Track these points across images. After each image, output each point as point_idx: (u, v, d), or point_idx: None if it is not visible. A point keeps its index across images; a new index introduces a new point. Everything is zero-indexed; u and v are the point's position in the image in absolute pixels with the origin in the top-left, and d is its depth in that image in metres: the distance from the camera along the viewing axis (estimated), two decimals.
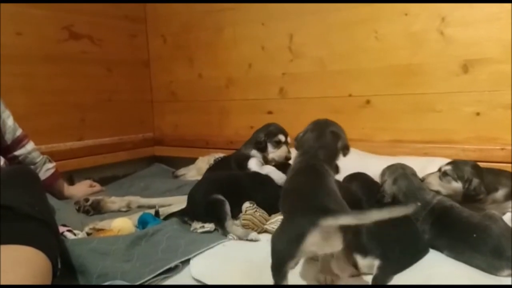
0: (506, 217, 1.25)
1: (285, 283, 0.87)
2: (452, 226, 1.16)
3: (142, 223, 1.45)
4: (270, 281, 0.98)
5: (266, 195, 1.45)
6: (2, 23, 1.96)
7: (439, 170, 1.34)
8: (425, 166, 1.52)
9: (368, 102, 1.96)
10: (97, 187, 2.08)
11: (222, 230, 1.33)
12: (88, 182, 2.10)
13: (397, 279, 1.02)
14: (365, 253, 1.06)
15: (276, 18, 2.17)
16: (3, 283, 0.84)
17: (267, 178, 1.56)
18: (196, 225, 1.36)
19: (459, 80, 1.73)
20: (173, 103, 2.66)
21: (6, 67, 1.95)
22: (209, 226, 1.35)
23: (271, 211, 1.38)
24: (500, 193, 1.32)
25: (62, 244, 1.18)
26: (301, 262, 1.08)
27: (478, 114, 1.72)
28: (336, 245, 0.88)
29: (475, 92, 1.71)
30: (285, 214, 1.05)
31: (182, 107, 2.63)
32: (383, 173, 1.38)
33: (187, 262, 1.15)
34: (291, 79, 2.17)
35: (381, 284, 1.00)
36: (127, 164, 2.55)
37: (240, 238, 1.29)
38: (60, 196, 1.89)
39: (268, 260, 1.04)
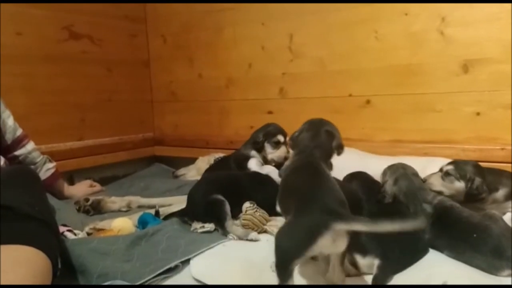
0: (506, 217, 1.25)
1: (290, 282, 0.87)
2: (452, 226, 1.16)
3: (142, 223, 1.45)
4: (270, 281, 0.99)
5: (266, 195, 1.45)
6: (2, 23, 1.96)
7: (441, 170, 1.34)
8: (425, 166, 1.52)
9: (368, 102, 1.96)
10: (97, 187, 2.08)
11: (222, 230, 1.33)
12: (88, 182, 2.10)
13: (397, 279, 1.02)
14: (364, 252, 1.06)
15: (276, 18, 2.17)
16: (3, 283, 0.84)
17: (267, 178, 1.56)
18: (196, 225, 1.36)
19: (459, 80, 1.73)
20: (173, 103, 2.66)
21: (6, 67, 1.95)
22: (209, 226, 1.35)
23: (271, 211, 1.37)
24: (501, 193, 1.32)
25: (62, 244, 1.18)
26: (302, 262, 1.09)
27: (478, 114, 1.72)
28: (342, 246, 0.89)
29: (475, 92, 1.71)
30: (285, 213, 1.05)
31: (182, 107, 2.63)
32: (384, 173, 1.38)
33: (187, 262, 1.15)
34: (291, 79, 2.17)
35: (381, 284, 1.00)
36: (127, 164, 2.55)
37: (240, 238, 1.29)
38: (60, 196, 1.89)
39: (268, 260, 1.05)
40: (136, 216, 1.52)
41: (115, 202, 1.74)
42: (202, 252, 1.19)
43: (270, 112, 2.26)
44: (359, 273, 1.06)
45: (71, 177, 2.22)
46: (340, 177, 1.42)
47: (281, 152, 1.73)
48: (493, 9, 1.64)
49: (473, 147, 1.72)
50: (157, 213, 1.54)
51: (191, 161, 2.30)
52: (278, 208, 1.13)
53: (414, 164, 1.40)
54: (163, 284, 1.09)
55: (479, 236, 1.08)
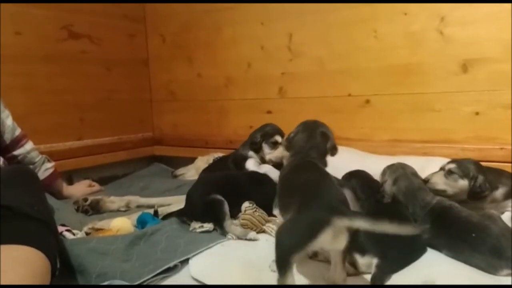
0: (506, 216, 1.25)
1: (290, 277, 0.87)
2: (451, 225, 1.16)
3: (141, 222, 1.45)
4: (269, 280, 0.99)
5: (265, 195, 1.45)
6: (1, 23, 1.95)
7: (442, 169, 1.34)
8: (424, 166, 1.52)
9: (367, 101, 1.96)
10: (96, 186, 2.08)
11: (221, 229, 1.33)
12: (87, 181, 2.09)
13: (395, 279, 1.02)
14: (363, 252, 1.06)
15: (276, 18, 2.16)
16: (3, 283, 0.84)
17: (265, 178, 1.56)
18: (195, 225, 1.36)
19: (458, 80, 1.73)
20: (172, 103, 2.66)
21: (5, 67, 1.94)
22: (208, 226, 1.35)
23: (270, 211, 1.38)
24: (500, 192, 1.32)
25: (61, 243, 1.18)
26: (302, 262, 1.09)
27: (477, 113, 1.72)
28: (342, 243, 0.90)
29: (474, 92, 1.71)
30: (284, 212, 1.05)
31: (181, 107, 2.62)
32: (383, 173, 1.38)
33: (186, 261, 1.15)
34: (290, 79, 2.17)
35: (379, 283, 1.00)
36: (126, 163, 2.54)
37: (239, 238, 1.29)
38: (59, 195, 1.89)
39: (267, 260, 1.05)
40: (135, 216, 1.52)
41: (114, 202, 1.74)
42: (201, 252, 1.19)
43: (269, 112, 2.26)
44: (357, 272, 1.06)
45: (70, 177, 2.22)
46: (339, 176, 1.42)
47: (278, 152, 1.73)
48: (492, 8, 1.64)
49: (472, 146, 1.72)
50: (156, 213, 1.54)
51: (190, 160, 2.30)
52: (275, 209, 1.14)
53: (413, 164, 1.40)
54: (162, 284, 1.09)
55: (478, 236, 1.08)
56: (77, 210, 1.70)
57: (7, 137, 1.72)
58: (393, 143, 1.90)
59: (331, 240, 0.88)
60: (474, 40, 1.69)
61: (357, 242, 1.08)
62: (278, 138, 1.74)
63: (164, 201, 1.71)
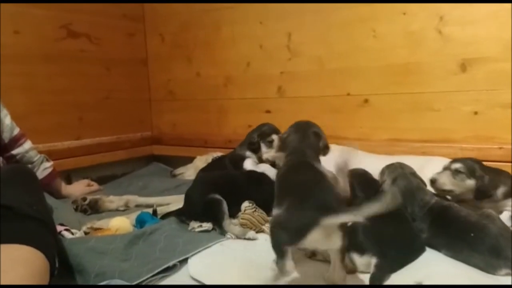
0: (505, 216, 1.25)
1: (287, 259, 0.88)
2: (450, 225, 1.16)
3: (140, 222, 1.45)
4: (268, 280, 0.99)
5: (264, 194, 1.45)
6: (0, 22, 1.95)
7: (448, 169, 1.32)
8: (423, 165, 1.52)
9: (366, 101, 1.96)
10: (95, 186, 2.07)
11: (219, 229, 1.33)
12: (85, 181, 2.09)
13: (394, 278, 1.02)
14: (362, 251, 1.06)
15: (275, 17, 2.16)
16: (2, 283, 0.84)
17: (264, 177, 1.56)
18: (194, 224, 1.36)
19: (457, 79, 1.74)
20: (171, 102, 2.66)
21: (4, 66, 1.94)
22: (207, 225, 1.35)
23: (269, 210, 1.37)
24: (500, 191, 1.32)
25: (60, 243, 1.18)
26: (302, 262, 1.09)
27: (476, 113, 1.72)
28: (336, 242, 0.90)
29: (473, 91, 1.71)
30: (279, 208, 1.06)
31: (180, 106, 2.62)
32: (382, 173, 1.38)
33: (185, 261, 1.15)
34: (289, 78, 2.17)
35: (378, 283, 1.00)
36: (125, 163, 2.54)
37: (238, 237, 1.29)
38: (58, 195, 1.89)
39: (266, 259, 1.05)
40: (134, 215, 1.51)
41: (112, 201, 1.74)
42: (200, 251, 1.19)
43: (268, 111, 2.26)
44: (355, 268, 1.06)
45: (69, 176, 2.22)
46: None
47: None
48: (491, 8, 1.64)
49: (471, 146, 1.72)
50: (154, 212, 1.54)
51: (189, 160, 2.30)
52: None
53: (412, 163, 1.40)
54: (161, 283, 1.09)
55: (477, 235, 1.09)
56: (75, 209, 1.70)
57: (6, 136, 1.72)
58: (392, 142, 1.90)
59: (323, 239, 0.89)
60: (473, 39, 1.69)
61: (356, 242, 1.09)
62: (274, 137, 1.74)
63: (163, 201, 1.71)
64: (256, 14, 2.22)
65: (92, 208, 1.69)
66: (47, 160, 1.89)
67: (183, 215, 1.42)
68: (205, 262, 1.14)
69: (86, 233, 1.40)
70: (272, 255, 0.91)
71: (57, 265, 1.04)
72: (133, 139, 2.64)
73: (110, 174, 2.41)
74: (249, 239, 1.28)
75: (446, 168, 1.33)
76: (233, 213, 1.39)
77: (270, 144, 1.74)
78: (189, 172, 2.21)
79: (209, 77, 2.47)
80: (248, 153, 1.77)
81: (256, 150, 1.76)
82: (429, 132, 1.81)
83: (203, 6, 2.41)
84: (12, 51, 2.00)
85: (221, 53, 2.39)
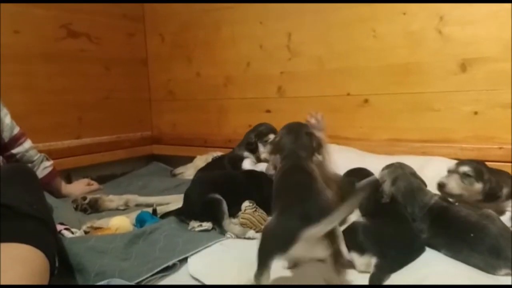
0: (506, 217, 1.25)
1: (265, 274, 0.89)
2: (450, 225, 1.16)
3: (140, 221, 1.45)
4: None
5: (265, 194, 1.45)
6: (0, 22, 1.95)
7: (455, 172, 1.28)
8: (423, 165, 1.53)
9: (366, 101, 1.96)
10: (95, 185, 2.07)
11: (219, 228, 1.33)
12: (85, 180, 2.09)
13: (394, 278, 1.02)
14: (362, 251, 1.06)
15: (275, 17, 2.16)
16: (2, 282, 0.84)
17: (263, 176, 1.56)
18: (194, 224, 1.36)
19: (457, 79, 1.73)
20: (171, 102, 2.66)
21: (4, 66, 1.94)
22: (207, 225, 1.35)
23: (269, 210, 1.37)
24: (503, 192, 1.31)
25: (59, 242, 1.18)
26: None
27: (476, 113, 1.72)
28: (322, 251, 0.90)
29: (473, 91, 1.71)
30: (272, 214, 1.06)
31: (180, 106, 2.62)
32: (382, 173, 1.38)
33: (184, 260, 1.15)
34: (289, 78, 2.17)
35: (378, 283, 1.00)
36: (125, 162, 2.54)
37: (237, 237, 1.29)
38: (58, 194, 1.89)
39: None
40: (133, 215, 1.51)
41: (112, 200, 1.74)
42: (199, 251, 1.19)
43: (268, 111, 2.26)
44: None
45: (69, 176, 2.22)
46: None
47: None
48: (491, 8, 1.64)
49: (471, 146, 1.72)
50: (154, 211, 1.54)
51: (189, 159, 2.30)
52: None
53: (412, 163, 1.40)
54: (161, 282, 1.09)
55: (477, 235, 1.08)
56: (75, 208, 1.70)
57: (6, 136, 1.72)
58: (392, 142, 1.90)
59: (308, 250, 0.89)
60: (473, 39, 1.69)
61: (356, 242, 1.09)
62: (272, 137, 1.74)
63: (163, 200, 1.71)
64: (256, 14, 2.22)
65: (92, 207, 1.69)
66: (47, 159, 1.89)
67: (183, 215, 1.42)
68: (205, 262, 1.14)
69: (86, 232, 1.40)
70: None
71: (57, 264, 1.04)
72: (133, 139, 2.64)
73: (110, 174, 2.41)
74: (249, 238, 1.28)
75: (453, 172, 1.29)
76: (233, 213, 1.39)
77: (267, 143, 1.75)
78: (189, 172, 2.20)
79: (209, 77, 2.47)
80: (246, 153, 1.78)
81: (254, 150, 1.77)
82: (429, 132, 1.81)
83: (203, 6, 2.41)
84: (12, 51, 2.00)
85: (221, 53, 2.39)
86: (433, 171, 1.49)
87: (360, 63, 1.95)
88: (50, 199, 1.59)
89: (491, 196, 1.25)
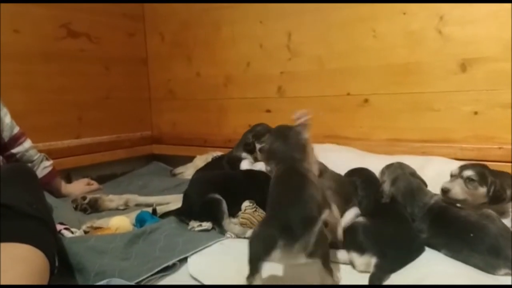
0: (508, 218, 1.24)
1: (257, 277, 0.90)
2: (450, 225, 1.16)
3: (140, 221, 1.45)
4: (267, 278, 0.99)
5: (264, 194, 1.44)
6: (0, 21, 1.95)
7: (459, 177, 1.25)
8: (423, 165, 1.53)
9: (366, 101, 1.96)
10: (95, 185, 2.07)
11: (219, 228, 1.33)
12: (85, 180, 2.09)
13: (393, 278, 1.03)
14: (362, 251, 1.06)
15: (275, 17, 2.16)
16: (1, 281, 0.84)
17: (262, 175, 1.55)
18: (194, 224, 1.36)
19: (457, 79, 1.73)
20: (171, 101, 2.66)
21: (4, 65, 1.94)
22: (207, 225, 1.35)
23: None
24: (507, 194, 1.30)
25: (59, 242, 1.18)
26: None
27: (476, 113, 1.72)
28: (300, 259, 0.90)
29: (473, 91, 1.71)
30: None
31: (180, 105, 2.62)
32: (382, 173, 1.38)
33: (184, 260, 1.15)
34: (289, 78, 2.17)
35: (378, 283, 1.00)
36: (125, 162, 2.54)
37: (237, 236, 1.29)
38: (58, 194, 1.89)
39: None
40: (133, 215, 1.51)
41: (112, 200, 1.74)
42: (199, 251, 1.19)
43: (268, 111, 2.25)
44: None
45: (69, 175, 2.22)
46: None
47: None
48: (491, 8, 1.64)
49: (471, 146, 1.72)
50: (154, 211, 1.54)
51: (189, 159, 2.30)
52: None
53: (412, 163, 1.40)
54: (161, 282, 1.09)
55: (476, 235, 1.09)
56: (75, 208, 1.69)
57: (6, 135, 1.72)
58: (392, 142, 1.90)
59: (286, 258, 0.90)
60: (473, 39, 1.69)
61: (356, 242, 1.09)
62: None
63: (163, 200, 1.71)
64: (256, 13, 2.22)
65: (92, 207, 1.69)
66: (47, 159, 1.89)
67: (183, 215, 1.42)
68: (205, 261, 1.15)
69: (86, 232, 1.40)
70: None
71: (57, 263, 1.04)
72: (133, 138, 2.63)
73: (110, 173, 2.41)
74: (248, 238, 1.27)
75: (456, 176, 1.25)
76: (233, 213, 1.39)
77: (260, 152, 1.75)
78: (189, 171, 2.20)
79: (209, 77, 2.46)
80: (244, 154, 1.78)
81: (251, 150, 1.77)
82: (429, 132, 1.81)
83: (203, 6, 2.41)
84: (12, 50, 2.00)
85: (221, 53, 2.39)
86: (433, 171, 1.50)
87: (360, 63, 1.94)
88: (50, 199, 1.59)
89: (496, 199, 1.23)
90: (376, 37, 1.89)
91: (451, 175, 1.26)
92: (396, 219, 1.21)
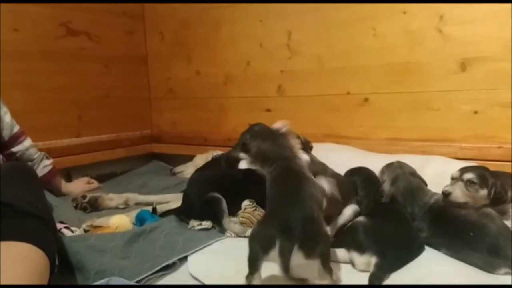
0: (509, 219, 1.24)
1: (256, 276, 0.90)
2: (449, 224, 1.16)
3: (140, 220, 1.45)
4: (267, 278, 0.99)
5: (264, 193, 1.44)
6: (0, 20, 1.95)
7: (460, 180, 1.23)
8: (423, 164, 1.53)
9: (366, 100, 1.96)
10: (95, 184, 2.07)
11: (219, 227, 1.33)
12: (85, 179, 2.09)
13: (393, 277, 1.03)
14: (362, 250, 1.06)
15: (275, 16, 2.16)
16: (1, 280, 0.84)
17: (264, 176, 1.55)
18: (194, 223, 1.36)
19: (457, 79, 1.74)
20: (171, 100, 2.66)
21: (4, 64, 1.94)
22: (207, 224, 1.35)
23: None
24: (508, 195, 1.30)
25: (59, 241, 1.18)
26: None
27: (475, 112, 1.72)
28: (299, 259, 0.90)
29: (473, 91, 1.71)
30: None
31: (180, 104, 2.62)
32: (382, 172, 1.38)
33: (184, 259, 1.15)
34: (289, 77, 2.17)
35: (378, 283, 1.00)
36: (125, 161, 2.54)
37: (237, 235, 1.29)
38: (58, 193, 1.89)
39: None
40: (133, 213, 1.51)
41: (112, 199, 1.74)
42: (199, 249, 1.19)
43: (268, 110, 2.26)
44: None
45: (69, 174, 2.22)
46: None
47: None
48: (491, 7, 1.64)
49: (471, 145, 1.72)
50: (154, 210, 1.54)
51: (189, 158, 2.29)
52: None
53: (412, 162, 1.40)
54: (161, 281, 1.09)
55: (476, 234, 1.09)
56: (75, 207, 1.70)
57: (6, 134, 1.72)
58: (391, 141, 1.90)
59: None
60: (473, 39, 1.69)
61: (356, 241, 1.09)
62: None
63: (163, 199, 1.71)
64: (256, 12, 2.22)
65: (92, 206, 1.69)
66: (47, 158, 1.89)
67: (182, 214, 1.42)
68: (205, 260, 1.15)
69: (86, 231, 1.40)
70: None
71: (57, 262, 1.04)
72: (133, 137, 2.63)
73: (110, 172, 2.41)
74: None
75: (456, 179, 1.24)
76: (233, 212, 1.39)
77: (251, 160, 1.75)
78: (189, 170, 2.20)
79: (209, 76, 2.46)
80: (242, 154, 1.77)
81: (250, 150, 1.76)
82: (429, 131, 1.82)
83: (203, 5, 2.41)
84: (11, 49, 2.00)
85: (221, 52, 2.39)
86: (433, 170, 1.50)
87: (360, 62, 1.95)
88: (50, 197, 1.59)
89: (497, 201, 1.23)
90: (376, 36, 1.89)
91: (452, 178, 1.25)
92: (396, 218, 1.21)
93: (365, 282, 1.01)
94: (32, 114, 2.06)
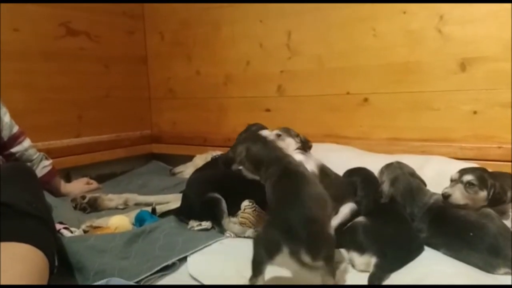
0: (508, 219, 1.24)
1: (260, 279, 0.90)
2: (449, 224, 1.16)
3: (140, 220, 1.45)
4: (266, 278, 0.98)
5: (264, 193, 1.44)
6: (0, 20, 1.95)
7: (459, 181, 1.23)
8: (423, 164, 1.53)
9: (366, 100, 1.96)
10: (94, 184, 2.08)
11: (219, 227, 1.33)
12: (85, 179, 2.09)
13: (393, 278, 1.03)
14: (362, 250, 1.07)
15: (274, 16, 2.16)
16: (1, 281, 0.84)
17: None
18: (193, 223, 1.36)
19: (456, 78, 1.73)
20: (171, 100, 2.66)
21: (3, 64, 1.94)
22: (206, 224, 1.35)
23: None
24: (507, 196, 1.30)
25: (59, 241, 1.18)
26: None
27: (475, 112, 1.72)
28: (305, 263, 0.90)
29: (473, 91, 1.71)
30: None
31: (180, 104, 2.62)
32: (381, 173, 1.38)
33: (184, 259, 1.15)
34: (289, 77, 2.17)
35: (378, 283, 1.00)
36: (125, 161, 2.54)
37: (237, 236, 1.29)
38: (57, 193, 1.89)
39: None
40: (133, 214, 1.52)
41: (112, 199, 1.74)
42: (199, 250, 1.19)
43: (268, 110, 2.25)
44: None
45: (68, 174, 2.21)
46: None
47: None
48: (491, 8, 1.64)
49: (471, 145, 1.72)
50: (154, 210, 1.54)
51: (189, 158, 2.30)
52: None
53: (411, 162, 1.40)
54: (161, 281, 1.09)
55: (476, 234, 1.09)
56: (75, 207, 1.70)
57: (5, 134, 1.72)
58: (391, 141, 1.90)
59: (288, 262, 0.89)
60: (473, 39, 1.69)
61: (356, 241, 1.09)
62: None
63: (163, 199, 1.71)
64: (256, 12, 2.22)
65: (92, 206, 1.69)
66: (46, 158, 1.89)
67: (182, 215, 1.42)
68: (205, 260, 1.15)
69: (85, 231, 1.40)
70: None
71: (56, 263, 1.04)
72: (133, 137, 2.63)
73: (110, 172, 2.41)
74: (248, 237, 1.28)
75: (456, 181, 1.24)
76: (233, 212, 1.39)
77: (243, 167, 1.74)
78: (188, 171, 2.20)
79: (209, 76, 2.46)
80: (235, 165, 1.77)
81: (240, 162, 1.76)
82: (429, 131, 1.81)
83: (203, 5, 2.41)
84: (11, 49, 2.00)
85: (221, 52, 2.39)
86: (432, 170, 1.50)
87: (360, 62, 1.94)
88: (49, 198, 1.59)
89: (496, 202, 1.23)
90: (376, 36, 1.89)
91: (451, 180, 1.25)
92: (396, 219, 1.21)
93: (365, 282, 1.01)
94: (32, 114, 2.06)
